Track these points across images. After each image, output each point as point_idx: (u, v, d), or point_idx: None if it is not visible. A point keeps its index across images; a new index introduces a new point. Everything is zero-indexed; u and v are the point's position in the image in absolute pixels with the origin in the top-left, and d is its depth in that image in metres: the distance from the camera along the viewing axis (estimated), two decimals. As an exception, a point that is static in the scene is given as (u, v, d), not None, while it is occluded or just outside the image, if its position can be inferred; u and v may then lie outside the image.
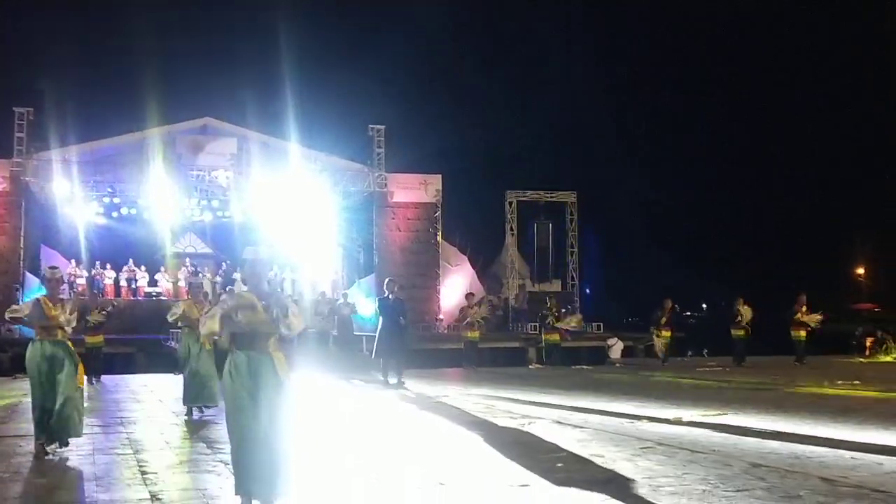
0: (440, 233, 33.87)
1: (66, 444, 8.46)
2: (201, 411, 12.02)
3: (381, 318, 17.15)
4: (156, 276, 32.77)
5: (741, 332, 24.69)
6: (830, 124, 47.63)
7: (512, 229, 36.60)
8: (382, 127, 33.77)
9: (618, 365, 26.38)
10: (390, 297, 17.13)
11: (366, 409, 13.18)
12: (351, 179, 33.65)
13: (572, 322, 26.12)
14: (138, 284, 32.63)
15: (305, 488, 6.06)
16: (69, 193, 30.31)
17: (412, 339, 19.20)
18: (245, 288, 6.11)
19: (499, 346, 27.99)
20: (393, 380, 16.67)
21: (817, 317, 23.77)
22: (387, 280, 17.94)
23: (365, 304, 30.20)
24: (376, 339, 17.16)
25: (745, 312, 24.67)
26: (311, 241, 32.40)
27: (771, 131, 47.80)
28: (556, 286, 36.01)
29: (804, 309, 23.93)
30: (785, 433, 8.88)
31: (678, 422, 10.10)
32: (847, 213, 45.95)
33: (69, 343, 8.70)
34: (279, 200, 31.13)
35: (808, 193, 45.94)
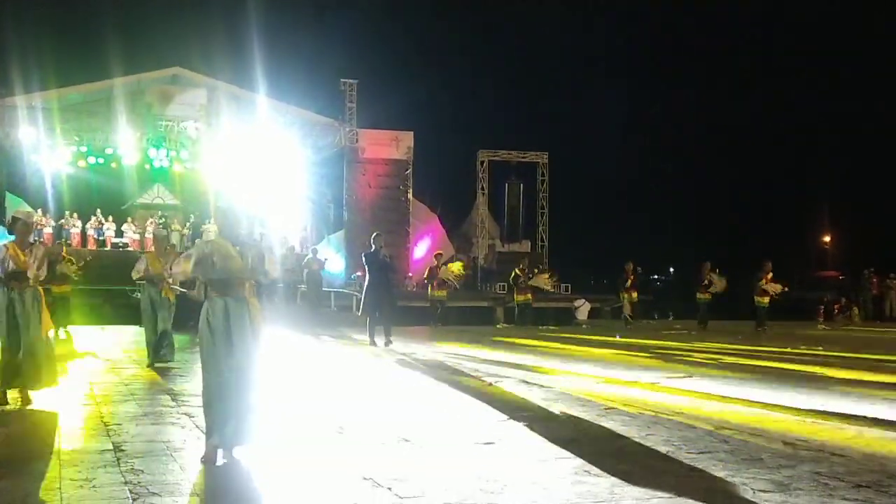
0: (411, 190, 33.74)
1: (33, 391, 8.38)
2: (163, 365, 11.96)
3: (367, 274, 16.36)
4: (123, 227, 32.46)
5: (706, 297, 24.92)
6: (801, 94, 47.81)
7: (483, 189, 36.53)
8: (355, 82, 33.45)
9: (584, 326, 26.56)
10: (378, 251, 16.19)
11: (332, 364, 13.19)
12: (322, 134, 33.40)
13: (544, 277, 26.22)
14: (105, 235, 32.31)
15: (271, 438, 6.05)
16: (35, 141, 29.88)
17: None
18: (219, 236, 6.10)
19: (467, 306, 28.05)
20: (381, 340, 15.85)
21: (778, 287, 24.02)
22: (374, 234, 16.86)
23: (334, 260, 30.14)
24: (363, 295, 16.43)
25: (718, 283, 24.86)
26: (280, 194, 32.19)
27: (745, 99, 48.02)
28: (525, 247, 36.08)
29: (769, 276, 24.16)
30: (748, 397, 8.96)
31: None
32: (813, 181, 46.28)
33: (38, 290, 8.58)
34: (249, 153, 30.85)
35: (778, 161, 46.18)
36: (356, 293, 26.71)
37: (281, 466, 5.66)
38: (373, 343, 15.78)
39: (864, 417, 7.57)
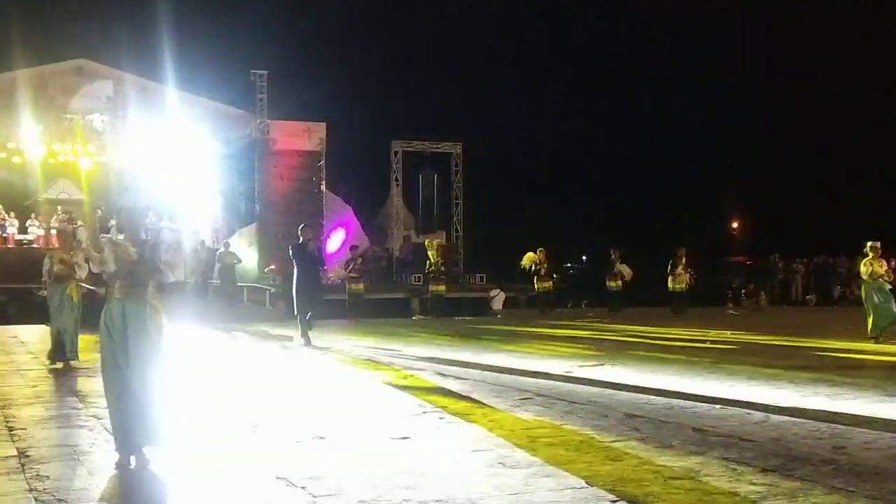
0: (324, 182, 33.46)
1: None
2: (69, 366, 11.65)
3: (295, 268, 15.43)
4: (27, 224, 31.52)
5: (616, 284, 25.35)
6: (708, 83, 48.77)
7: (397, 180, 36.43)
8: (265, 72, 32.99)
9: (499, 316, 26.73)
10: (306, 243, 15.42)
11: (246, 360, 13.03)
12: (232, 125, 32.88)
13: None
14: (8, 232, 31.34)
15: (182, 439, 5.93)
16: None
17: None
18: (121, 236, 5.96)
19: (383, 297, 27.96)
20: (313, 337, 15.10)
21: (628, 269, 24.82)
22: (301, 225, 16.01)
23: (246, 254, 29.75)
24: (294, 291, 15.46)
25: (625, 272, 25.33)
26: (190, 188, 31.62)
27: (656, 88, 48.76)
28: (440, 237, 36.11)
29: (683, 262, 24.66)
30: (660, 385, 9.11)
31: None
32: (722, 169, 47.30)
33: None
34: (157, 146, 30.21)
35: (689, 149, 47.04)
36: (269, 287, 26.45)
37: (192, 468, 5.56)
38: (305, 341, 14.95)
39: (771, 403, 7.74)
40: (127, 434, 5.59)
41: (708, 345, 14.54)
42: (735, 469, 5.22)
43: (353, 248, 25.46)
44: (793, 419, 6.91)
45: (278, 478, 5.17)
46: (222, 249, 26.32)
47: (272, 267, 27.72)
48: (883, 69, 44.19)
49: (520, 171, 45.85)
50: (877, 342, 14.52)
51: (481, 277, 32.58)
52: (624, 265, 25.61)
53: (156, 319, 5.75)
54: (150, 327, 5.71)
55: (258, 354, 14.13)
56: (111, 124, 30.57)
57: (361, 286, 24.59)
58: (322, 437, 6.42)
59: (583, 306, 31.38)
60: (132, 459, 5.57)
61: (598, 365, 11.26)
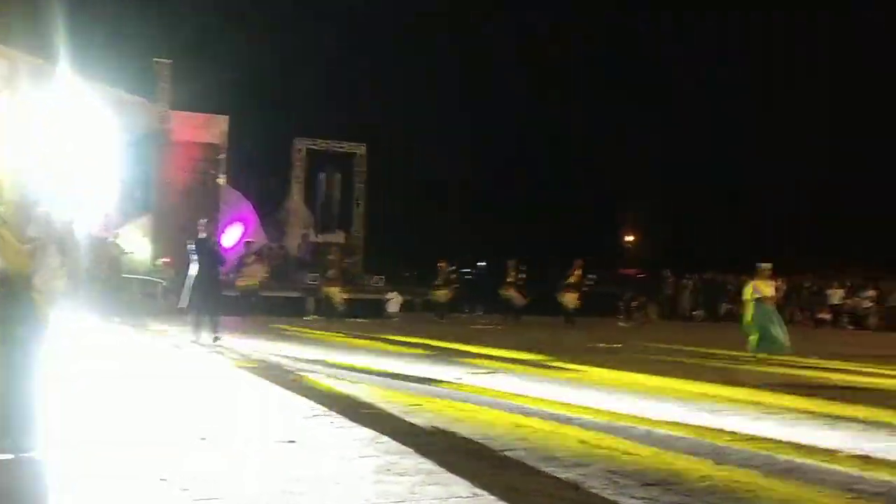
0: (223, 176, 32.94)
1: None
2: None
3: (195, 264, 14.96)
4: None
5: (511, 293, 25.63)
6: (606, 97, 49.64)
7: (298, 177, 36.12)
8: (168, 61, 32.31)
9: (396, 319, 26.72)
10: (207, 238, 15.04)
11: (131, 357, 12.71)
12: (131, 114, 32.00)
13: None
14: None
15: (61, 441, 5.76)
16: None
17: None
18: (6, 229, 5.74)
19: (278, 296, 27.65)
20: (207, 336, 14.66)
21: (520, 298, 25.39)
22: (201, 220, 15.64)
23: (140, 245, 29.08)
24: (190, 287, 15.03)
25: (515, 297, 25.73)
26: (85, 176, 30.74)
27: (560, 98, 49.34)
28: (340, 237, 35.93)
29: (577, 273, 25.08)
30: (547, 395, 9.22)
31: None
32: (618, 181, 48.14)
33: None
34: (52, 132, 29.30)
35: (589, 163, 47.75)
36: (162, 281, 25.91)
37: (71, 471, 5.37)
38: (196, 339, 14.61)
39: (655, 417, 7.91)
40: (5, 435, 5.39)
41: (595, 356, 14.78)
42: (618, 482, 5.31)
43: (248, 244, 25.13)
44: (675, 434, 7.07)
45: (161, 479, 5.06)
46: (110, 240, 25.62)
47: (166, 259, 27.14)
48: (777, 90, 45.70)
49: (423, 175, 45.90)
50: (756, 360, 15.00)
51: (379, 280, 32.55)
52: (515, 294, 25.99)
53: (38, 316, 5.57)
54: (32, 324, 5.52)
55: (143, 351, 13.81)
56: (2, 108, 29.54)
57: (255, 282, 24.31)
58: (205, 439, 6.31)
59: (479, 312, 31.56)
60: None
61: (487, 373, 11.35)
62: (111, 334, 16.00)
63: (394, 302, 28.60)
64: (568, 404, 8.58)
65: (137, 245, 28.51)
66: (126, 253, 25.56)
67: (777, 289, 16.65)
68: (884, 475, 5.75)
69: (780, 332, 15.77)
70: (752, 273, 16.52)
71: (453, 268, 27.11)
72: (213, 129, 32.42)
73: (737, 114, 45.96)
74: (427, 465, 5.63)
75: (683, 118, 47.24)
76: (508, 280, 25.91)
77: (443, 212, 45.96)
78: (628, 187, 47.93)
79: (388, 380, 10.26)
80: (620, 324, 27.71)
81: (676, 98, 48.53)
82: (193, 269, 14.98)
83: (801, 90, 45.04)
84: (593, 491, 5.08)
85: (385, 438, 6.49)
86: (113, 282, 24.10)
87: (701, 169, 45.85)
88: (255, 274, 24.47)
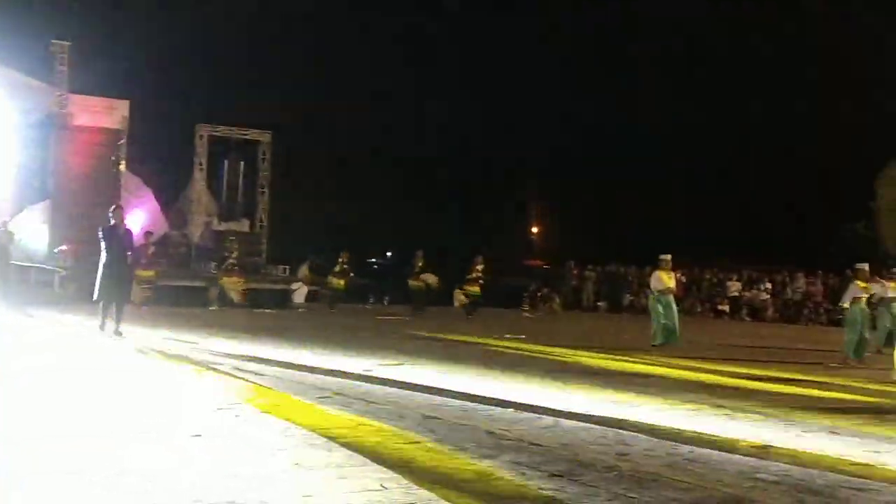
0: (124, 162, 32.18)
1: None
2: None
3: (104, 252, 14.43)
4: None
5: (419, 284, 25.70)
6: (514, 89, 49.89)
7: (201, 164, 35.47)
8: (67, 43, 31.40)
9: (301, 310, 26.54)
10: (117, 226, 14.55)
11: (25, 349, 12.34)
12: (28, 97, 31.07)
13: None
14: None
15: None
16: None
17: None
18: None
19: (180, 285, 27.15)
20: (112, 327, 14.26)
21: (433, 277, 25.58)
22: (112, 207, 15.11)
23: (37, 232, 28.26)
24: (99, 276, 14.49)
25: (430, 280, 25.78)
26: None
27: (469, 87, 49.34)
28: (243, 226, 35.46)
29: (478, 268, 25.32)
30: (457, 388, 9.27)
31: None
32: (523, 174, 48.52)
33: None
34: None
35: (497, 156, 47.99)
36: (60, 269, 25.22)
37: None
38: (102, 328, 14.27)
39: (562, 408, 8.02)
40: None
41: (501, 347, 14.93)
42: (524, 473, 5.37)
43: (147, 233, 24.61)
44: (581, 424, 7.19)
45: (68, 473, 4.93)
46: (2, 228, 24.81)
47: (64, 247, 26.42)
48: (686, 87, 46.57)
49: (330, 164, 45.49)
50: (660, 352, 15.35)
51: (284, 270, 32.24)
52: (430, 274, 25.98)
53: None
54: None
55: (40, 342, 13.42)
56: None
57: (152, 273, 23.88)
58: (110, 433, 6.18)
59: (385, 303, 31.56)
60: None
61: (397, 365, 11.36)
62: (5, 324, 15.51)
63: (299, 292, 28.41)
64: (475, 395, 8.64)
65: (34, 232, 27.67)
66: (17, 240, 24.71)
67: (678, 280, 17.06)
68: (781, 464, 5.94)
69: (676, 324, 16.19)
70: (655, 265, 16.89)
71: (347, 258, 27.03)
72: (114, 113, 31.62)
73: (639, 109, 46.71)
74: (337, 457, 5.61)
75: (590, 111, 47.80)
76: (416, 271, 25.95)
77: (352, 201, 45.69)
78: (535, 179, 48.34)
79: (296, 372, 10.19)
80: (525, 314, 28.04)
81: (583, 87, 49.02)
82: (103, 257, 14.51)
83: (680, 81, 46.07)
84: (501, 482, 5.13)
85: (294, 431, 6.45)
86: (1, 270, 23.25)
87: (607, 162, 46.58)
88: (156, 263, 24.00)
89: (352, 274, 27.62)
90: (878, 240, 36.37)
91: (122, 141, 31.82)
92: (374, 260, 47.12)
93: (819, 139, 40.73)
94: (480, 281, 25.73)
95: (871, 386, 11.49)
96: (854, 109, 39.05)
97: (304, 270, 29.28)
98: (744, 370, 12.79)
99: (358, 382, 9.41)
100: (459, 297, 26.19)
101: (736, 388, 10.31)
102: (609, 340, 17.99)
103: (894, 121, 35.42)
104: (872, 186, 36.51)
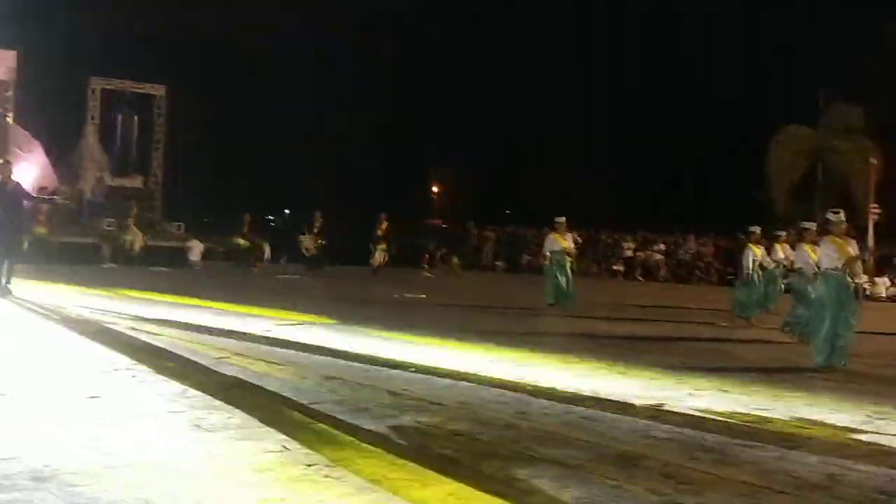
0: (12, 115, 31.02)
1: None
2: None
3: None
4: None
5: (314, 242, 25.62)
6: (420, 49, 49.54)
7: (93, 118, 34.47)
8: (-51, -10, 30.00)
9: (197, 268, 26.13)
10: (5, 182, 13.94)
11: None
12: None
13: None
14: None
15: None
16: None
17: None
18: None
19: (72, 242, 26.43)
20: (2, 285, 13.72)
21: (311, 242, 25.66)
22: (1, 161, 14.54)
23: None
24: None
25: (308, 243, 25.70)
26: None
27: (379, 48, 48.64)
28: (137, 182, 34.66)
29: (384, 226, 25.33)
30: (359, 349, 9.27)
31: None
32: (425, 134, 48.40)
33: None
34: None
35: (399, 120, 47.65)
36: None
37: None
38: (4, 287, 13.71)
39: (461, 369, 8.10)
40: None
41: (403, 307, 14.99)
42: (426, 432, 5.43)
43: (41, 188, 23.86)
44: (480, 385, 7.28)
45: (-50, 439, 4.80)
46: None
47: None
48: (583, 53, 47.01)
49: (227, 120, 44.58)
50: (555, 311, 15.62)
51: (179, 226, 31.66)
52: (308, 236, 25.91)
53: None
54: None
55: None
56: None
57: (44, 230, 23.20)
58: (2, 394, 6.01)
59: (282, 262, 31.28)
60: None
61: (297, 325, 11.30)
62: None
63: (195, 250, 27.93)
64: (376, 357, 8.65)
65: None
66: None
67: (574, 241, 17.32)
68: (673, 423, 6.13)
69: (570, 284, 16.44)
70: (551, 227, 17.12)
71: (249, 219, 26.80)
72: (1, 64, 30.39)
73: (543, 70, 47.01)
74: (236, 419, 5.58)
75: (492, 72, 47.89)
76: (314, 231, 25.80)
77: (250, 158, 45.01)
78: (437, 139, 48.24)
79: (193, 332, 10.04)
80: (425, 274, 28.15)
81: (487, 49, 49.01)
82: None
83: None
84: (402, 442, 5.18)
85: (192, 392, 6.38)
86: None
87: (509, 125, 46.82)
88: (46, 219, 23.31)
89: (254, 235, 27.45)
90: (768, 203, 37.51)
91: (9, 92, 30.65)
92: (271, 217, 46.52)
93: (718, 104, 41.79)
94: (384, 239, 25.77)
95: (758, 345, 11.92)
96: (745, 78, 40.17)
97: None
98: (638, 329, 13.12)
99: (257, 343, 9.34)
100: (377, 255, 26.08)
101: (630, 348, 10.56)
102: (506, 300, 18.21)
103: (788, 88, 36.61)
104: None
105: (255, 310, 13.11)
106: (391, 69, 49.09)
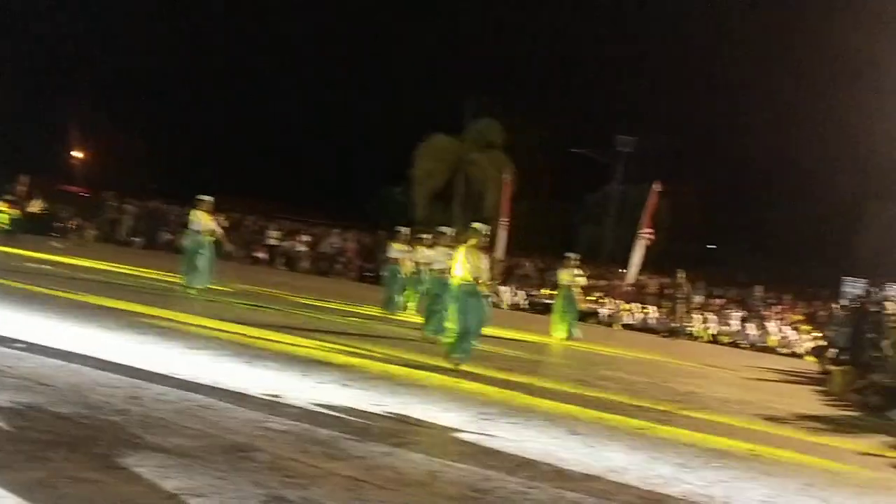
0: None
1: None
2: None
3: None
4: None
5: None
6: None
7: None
8: None
9: None
10: None
11: None
12: None
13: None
14: None
15: None
16: None
17: None
18: None
19: None
20: None
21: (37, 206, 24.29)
22: None
23: None
24: None
25: None
26: None
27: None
28: None
29: (22, 188, 24.07)
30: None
31: None
32: (70, 94, 45.14)
33: None
34: None
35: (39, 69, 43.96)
36: None
37: None
38: None
39: (74, 351, 7.58)
40: None
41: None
42: (24, 414, 5.08)
43: None
44: (94, 368, 6.87)
45: None
46: None
47: None
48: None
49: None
50: (187, 292, 15.23)
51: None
52: None
53: None
54: None
55: None
56: None
57: None
58: None
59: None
60: None
61: None
62: None
63: None
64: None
65: None
66: None
67: (220, 224, 16.92)
68: (289, 415, 6.16)
69: (207, 264, 15.94)
70: (195, 204, 16.61)
71: None
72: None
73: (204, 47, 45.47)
74: None
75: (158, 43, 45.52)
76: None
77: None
78: (84, 101, 44.92)
79: None
80: (54, 244, 26.41)
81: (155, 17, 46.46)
82: None
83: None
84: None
85: None
86: None
87: (159, 98, 45.01)
88: None
89: None
90: (410, 205, 39.10)
91: None
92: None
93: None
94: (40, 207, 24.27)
95: (395, 341, 12.34)
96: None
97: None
98: (270, 320, 13.06)
99: None
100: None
101: (258, 336, 10.49)
102: (143, 281, 17.52)
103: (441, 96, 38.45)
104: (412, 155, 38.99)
105: None
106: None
